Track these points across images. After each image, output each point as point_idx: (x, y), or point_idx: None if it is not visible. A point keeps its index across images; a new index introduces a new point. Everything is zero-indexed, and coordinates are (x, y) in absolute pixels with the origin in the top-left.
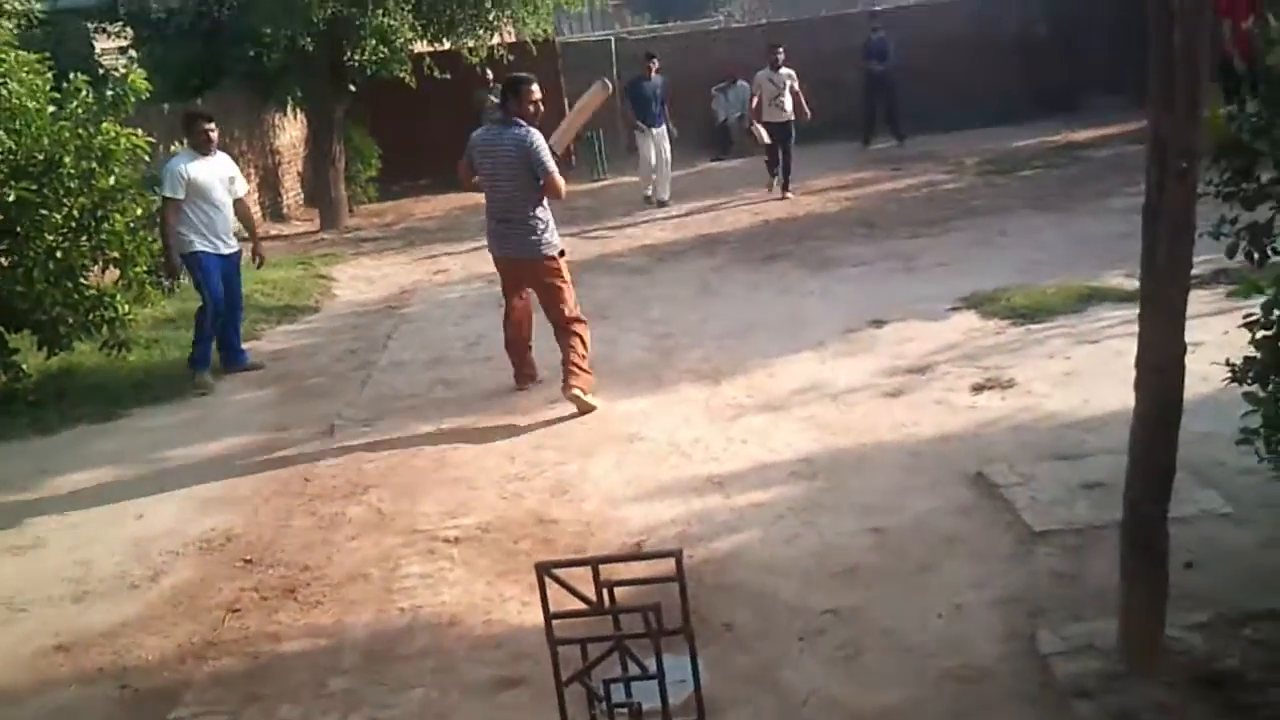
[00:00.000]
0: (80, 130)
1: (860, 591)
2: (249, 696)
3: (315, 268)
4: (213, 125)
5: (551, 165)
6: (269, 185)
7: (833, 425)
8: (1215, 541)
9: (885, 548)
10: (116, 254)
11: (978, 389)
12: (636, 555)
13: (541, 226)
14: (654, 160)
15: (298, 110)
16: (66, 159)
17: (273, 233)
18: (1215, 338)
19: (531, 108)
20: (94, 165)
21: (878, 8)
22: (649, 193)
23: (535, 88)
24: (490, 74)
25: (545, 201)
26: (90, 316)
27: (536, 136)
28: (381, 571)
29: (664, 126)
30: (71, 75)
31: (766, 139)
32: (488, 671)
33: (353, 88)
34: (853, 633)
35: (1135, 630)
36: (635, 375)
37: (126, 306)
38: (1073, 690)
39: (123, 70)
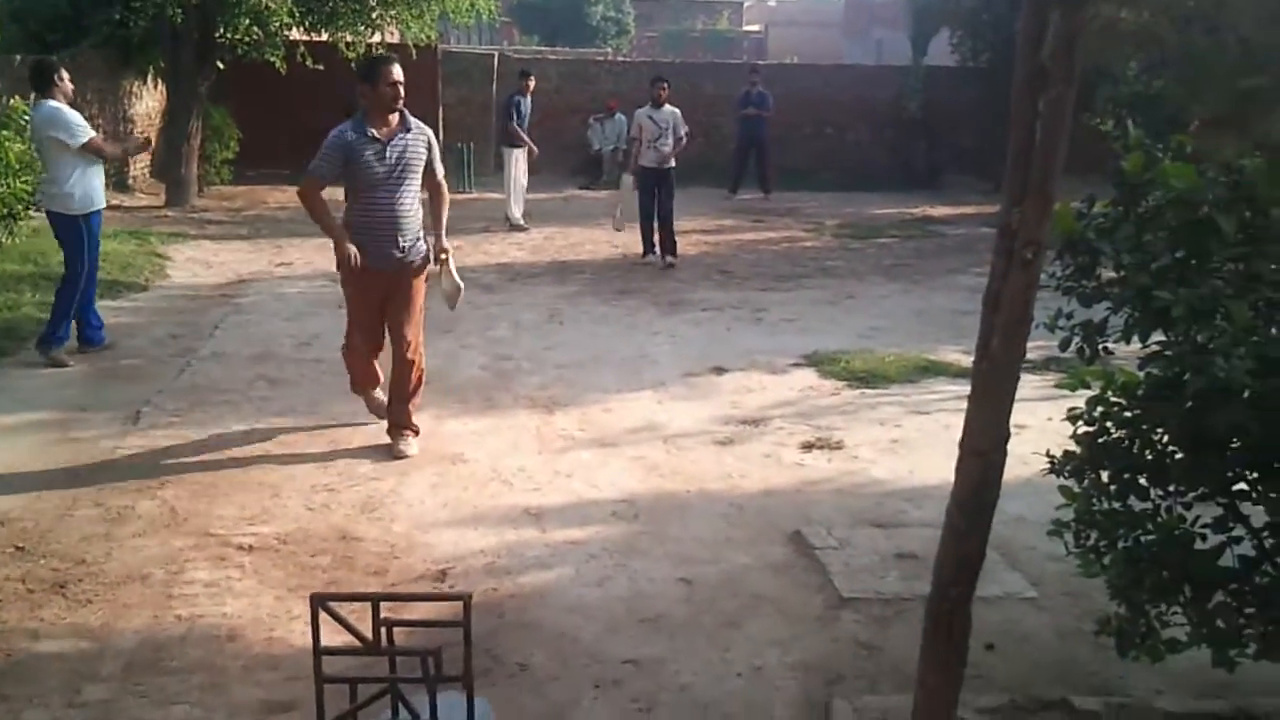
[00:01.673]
0: None
1: (663, 642)
2: None
3: (151, 245)
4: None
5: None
6: None
7: (660, 468)
8: (1017, 625)
9: (694, 599)
10: None
11: (807, 447)
12: (422, 596)
13: (420, 229)
14: (524, 181)
15: (158, 80)
16: None
17: (114, 202)
18: (1039, 422)
19: (390, 91)
20: None
21: (760, 61)
22: (517, 216)
23: (397, 69)
24: None
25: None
26: None
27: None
28: (164, 574)
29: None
30: None
31: (634, 190)
32: (259, 694)
33: (220, 65)
34: (649, 685)
35: (928, 711)
36: (469, 394)
37: None
38: None
39: None
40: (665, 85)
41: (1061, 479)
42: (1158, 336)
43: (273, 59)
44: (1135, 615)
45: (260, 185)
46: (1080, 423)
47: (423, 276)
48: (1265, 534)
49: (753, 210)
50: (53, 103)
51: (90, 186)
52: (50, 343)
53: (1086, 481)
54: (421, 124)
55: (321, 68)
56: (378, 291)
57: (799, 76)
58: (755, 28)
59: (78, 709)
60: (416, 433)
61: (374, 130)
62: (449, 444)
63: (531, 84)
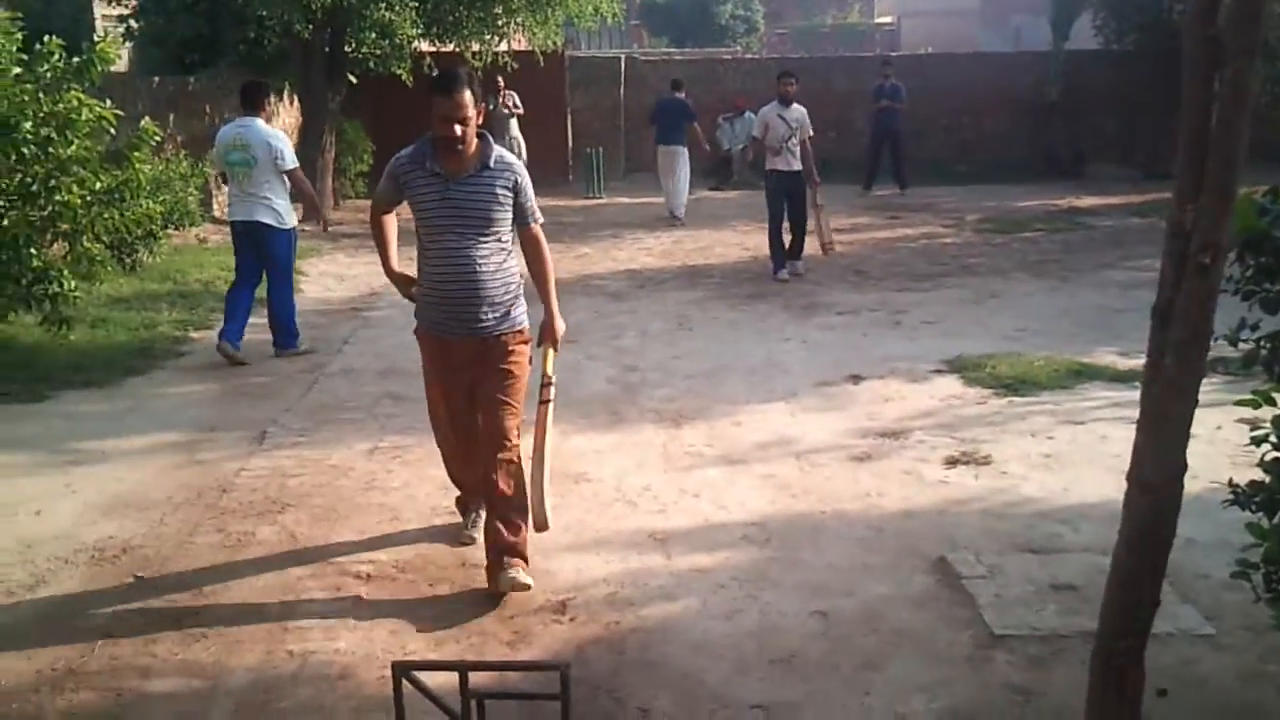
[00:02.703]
0: (43, 96)
1: (796, 686)
2: None
3: None
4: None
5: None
6: None
7: (793, 486)
8: (1192, 666)
9: (830, 635)
10: (67, 226)
11: (951, 463)
12: (515, 665)
13: (512, 294)
14: (685, 179)
15: (293, 97)
16: (25, 124)
17: None
18: (1207, 432)
19: (442, 130)
20: (52, 133)
21: (893, 53)
22: (679, 213)
23: (454, 100)
24: (501, 80)
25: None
26: (32, 289)
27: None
28: (280, 606)
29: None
30: (44, 38)
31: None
32: None
33: (353, 79)
34: None
35: None
36: (594, 409)
37: (72, 282)
38: None
39: (111, 38)
40: (793, 80)
41: (1248, 512)
42: None
43: (399, 71)
44: None
45: None
46: (1269, 448)
47: (522, 354)
48: None
49: (889, 207)
50: (263, 123)
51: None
52: (291, 342)
53: (1278, 517)
54: (508, 157)
55: None
56: (456, 366)
57: (933, 67)
58: (888, 20)
59: None
60: (526, 562)
61: (437, 164)
62: (572, 463)
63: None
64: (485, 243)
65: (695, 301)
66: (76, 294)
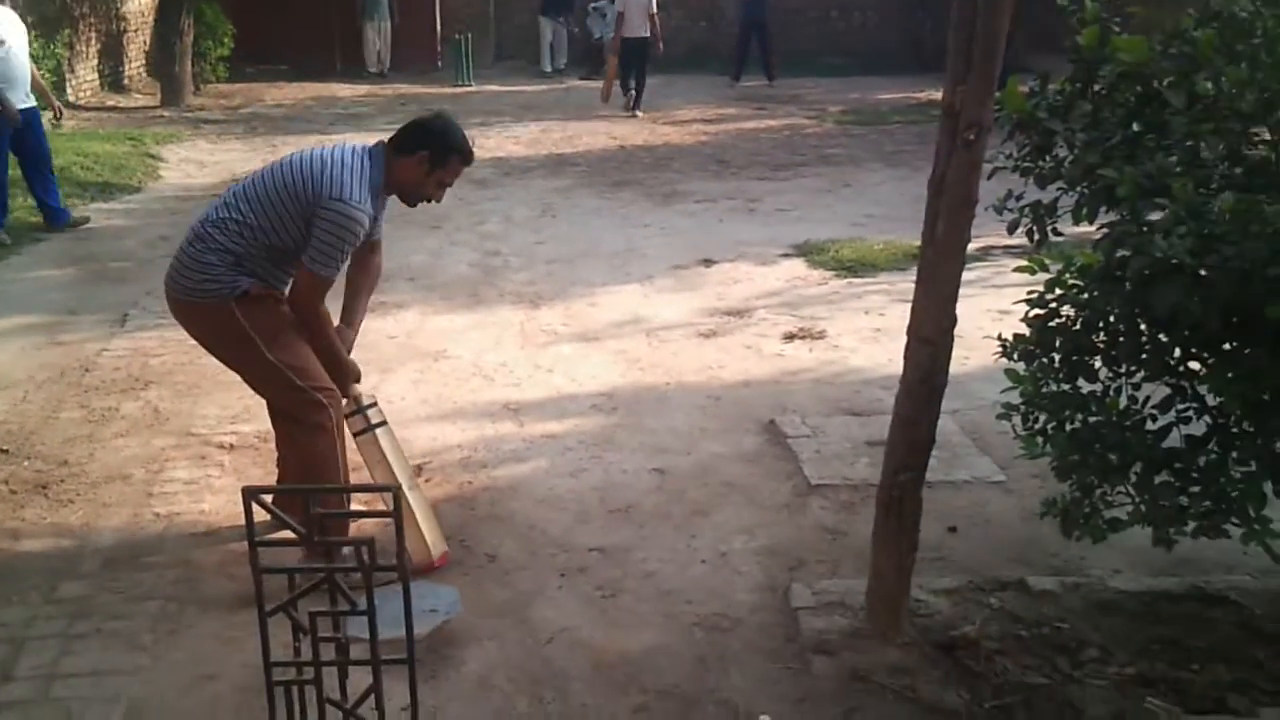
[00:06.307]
0: None
1: (631, 531)
2: None
3: (145, 145)
4: None
5: None
6: (111, 53)
7: (642, 361)
8: (982, 508)
9: (665, 489)
10: None
11: (789, 338)
12: (353, 487)
13: None
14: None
15: None
16: None
17: (109, 103)
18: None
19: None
20: None
21: None
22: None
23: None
24: None
25: None
26: None
27: None
28: (145, 474)
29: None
30: None
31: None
32: (232, 587)
33: None
34: (614, 573)
35: (881, 593)
36: (455, 291)
37: None
38: (814, 646)
39: None
40: None
41: (1010, 361)
42: (1112, 217)
43: None
44: (1084, 495)
45: (259, 83)
46: (1032, 306)
47: None
48: (1216, 414)
49: (755, 98)
50: None
51: None
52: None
53: (1035, 364)
54: None
55: None
56: None
57: None
58: None
59: (54, 604)
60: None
61: (379, 205)
62: (433, 341)
63: None
64: None
65: (560, 190)
66: None
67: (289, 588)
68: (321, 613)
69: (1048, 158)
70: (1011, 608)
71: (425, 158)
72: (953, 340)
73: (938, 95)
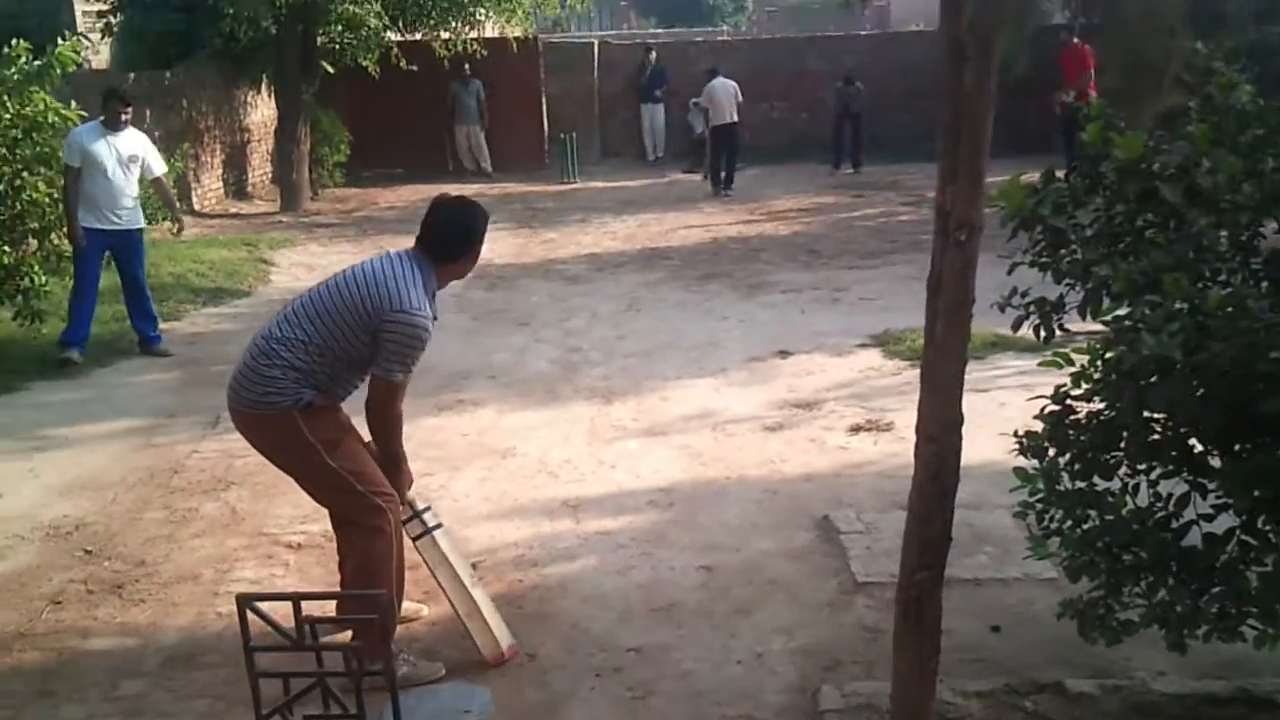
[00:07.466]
0: (8, 99)
1: (671, 630)
2: (39, 693)
3: (259, 250)
4: (127, 107)
5: None
6: (235, 162)
7: (704, 455)
8: (1030, 607)
9: (710, 586)
10: (35, 224)
11: (855, 430)
12: (341, 594)
13: None
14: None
15: (269, 89)
16: None
17: (233, 210)
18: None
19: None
20: (19, 134)
21: (863, 31)
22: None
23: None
24: (468, 67)
25: None
26: (4, 285)
27: None
28: (214, 573)
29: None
30: (13, 42)
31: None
32: (278, 688)
33: (330, 69)
34: (649, 674)
35: (905, 698)
36: (533, 387)
37: (42, 277)
38: None
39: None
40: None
41: (1025, 459)
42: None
43: (365, 63)
44: (1104, 595)
45: (374, 187)
46: (1052, 401)
47: None
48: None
49: (854, 185)
50: (84, 125)
51: (81, 201)
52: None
53: (1046, 461)
54: None
55: (415, 68)
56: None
57: (906, 45)
58: None
59: (111, 702)
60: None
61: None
62: (504, 438)
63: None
64: None
65: (649, 284)
66: (47, 288)
67: (284, 693)
68: (316, 717)
69: (1063, 252)
70: (1046, 711)
71: (473, 255)
72: (960, 439)
73: (1035, 178)
